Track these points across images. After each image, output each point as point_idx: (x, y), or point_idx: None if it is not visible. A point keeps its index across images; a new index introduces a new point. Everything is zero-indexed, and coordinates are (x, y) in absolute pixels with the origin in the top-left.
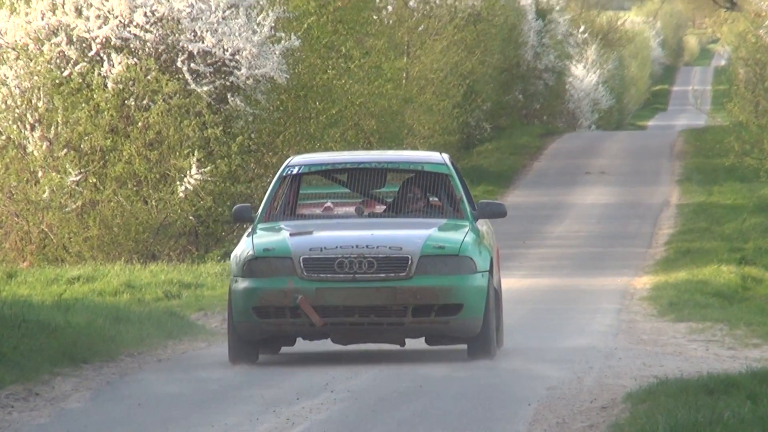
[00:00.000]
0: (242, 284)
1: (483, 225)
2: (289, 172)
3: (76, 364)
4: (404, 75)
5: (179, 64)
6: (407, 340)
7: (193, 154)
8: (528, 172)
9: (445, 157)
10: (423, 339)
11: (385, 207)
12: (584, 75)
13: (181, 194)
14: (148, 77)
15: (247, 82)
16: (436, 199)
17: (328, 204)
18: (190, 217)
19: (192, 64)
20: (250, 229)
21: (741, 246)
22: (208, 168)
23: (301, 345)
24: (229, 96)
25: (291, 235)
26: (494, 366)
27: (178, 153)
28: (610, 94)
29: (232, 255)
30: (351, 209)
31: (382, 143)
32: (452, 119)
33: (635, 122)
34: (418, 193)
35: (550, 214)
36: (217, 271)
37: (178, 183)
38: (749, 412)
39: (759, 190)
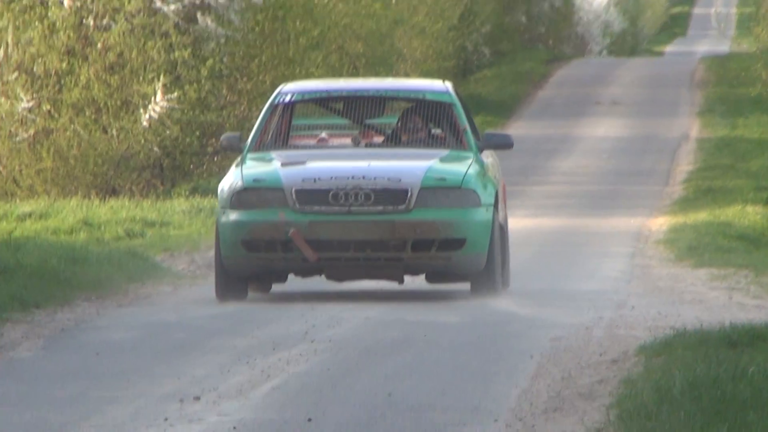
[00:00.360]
0: (230, 217)
1: (488, 157)
2: (281, 100)
3: (27, 309)
4: None
5: None
6: (406, 278)
7: (159, 79)
8: (531, 102)
9: (448, 85)
10: (423, 277)
11: (383, 138)
12: None
13: (144, 123)
14: None
15: (219, 0)
16: (438, 129)
17: (323, 135)
18: (155, 148)
19: None
20: (239, 159)
21: None
22: (175, 94)
23: (293, 283)
24: (198, 15)
25: (283, 165)
26: (492, 314)
27: (141, 77)
28: (624, 16)
29: (220, 186)
30: (347, 141)
31: (370, 69)
32: (447, 43)
33: (651, 48)
34: (419, 123)
35: (555, 148)
36: (185, 208)
37: (141, 111)
38: None
39: None
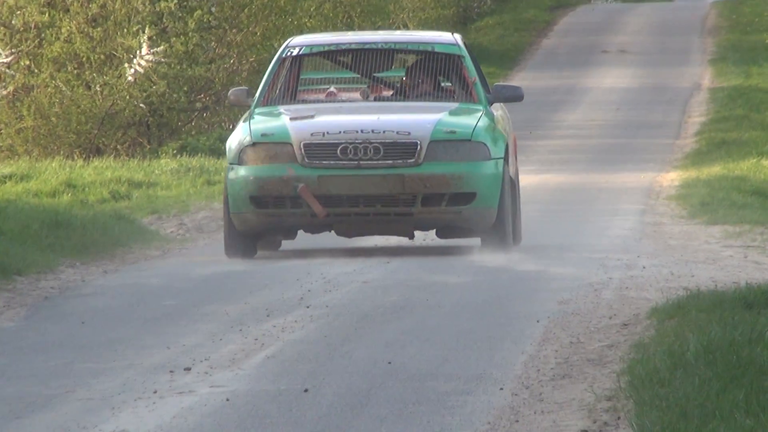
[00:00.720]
0: (238, 172)
1: (498, 110)
2: (288, 53)
3: (9, 276)
4: None
5: None
6: (416, 233)
7: (144, 32)
8: (535, 51)
9: (457, 37)
10: (433, 232)
11: (392, 91)
12: None
13: (129, 78)
14: None
15: None
16: (447, 82)
17: (331, 89)
18: (141, 105)
19: None
20: (246, 114)
21: None
22: (161, 47)
23: (303, 239)
24: None
25: (291, 119)
26: (497, 276)
27: (126, 30)
28: None
29: (228, 141)
30: (355, 95)
31: (365, 18)
32: None
33: None
34: (428, 76)
35: (561, 99)
36: (173, 167)
37: (126, 65)
38: None
39: None
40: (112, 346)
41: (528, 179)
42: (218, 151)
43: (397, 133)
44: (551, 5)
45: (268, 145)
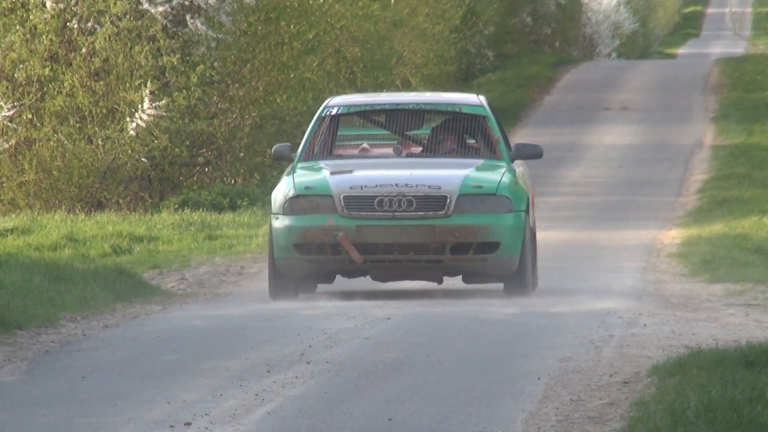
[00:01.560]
0: (283, 222)
1: (519, 166)
2: (328, 113)
3: (9, 330)
4: None
5: None
6: (445, 279)
7: (146, 86)
8: (538, 108)
9: (482, 98)
10: (460, 278)
11: (421, 148)
12: None
13: (131, 132)
14: None
15: (210, 1)
16: (473, 140)
17: (365, 145)
18: (143, 159)
19: None
20: (289, 168)
21: None
22: (164, 102)
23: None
24: (188, 17)
25: (331, 173)
26: (498, 333)
27: (128, 84)
28: (634, 16)
29: (273, 193)
30: (386, 150)
31: (368, 73)
32: (449, 46)
33: (663, 50)
34: (456, 134)
35: (563, 156)
36: (174, 221)
37: (128, 119)
38: None
39: None
40: (113, 400)
41: None
42: (219, 206)
43: (429, 187)
44: (553, 62)
45: (310, 197)
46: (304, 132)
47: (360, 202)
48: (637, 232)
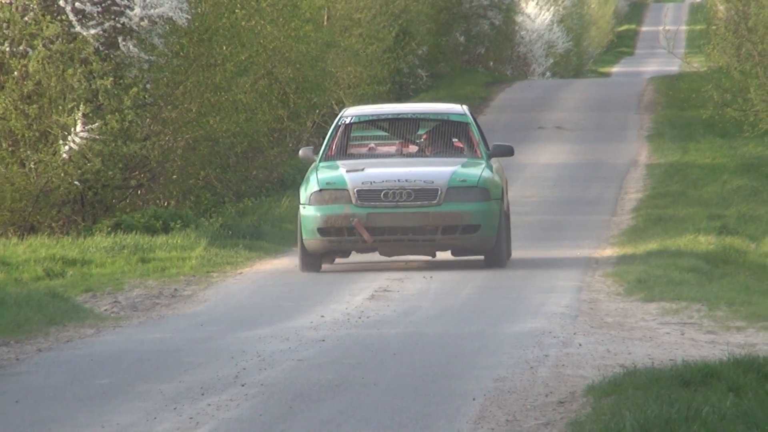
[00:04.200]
0: (309, 211)
1: (495, 162)
2: (344, 122)
3: None
4: (325, 15)
5: (62, 2)
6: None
7: (79, 109)
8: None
9: (465, 108)
10: (449, 253)
11: (417, 148)
12: (537, 13)
13: (64, 155)
14: (26, 18)
15: (142, 23)
16: (458, 141)
17: (371, 145)
18: (75, 182)
19: (77, 3)
20: (312, 167)
21: (721, 212)
22: (96, 124)
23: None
24: (120, 40)
25: (347, 171)
26: (432, 353)
27: (61, 107)
28: (568, 35)
29: (301, 187)
30: (389, 149)
31: (301, 95)
32: (382, 66)
33: (597, 68)
34: (444, 138)
35: None
36: (108, 244)
37: (61, 142)
38: (731, 407)
39: (742, 147)
40: (46, 425)
41: (467, 258)
42: (153, 229)
43: (424, 181)
44: (487, 81)
45: (330, 191)
46: (238, 154)
47: (370, 194)
48: (572, 251)
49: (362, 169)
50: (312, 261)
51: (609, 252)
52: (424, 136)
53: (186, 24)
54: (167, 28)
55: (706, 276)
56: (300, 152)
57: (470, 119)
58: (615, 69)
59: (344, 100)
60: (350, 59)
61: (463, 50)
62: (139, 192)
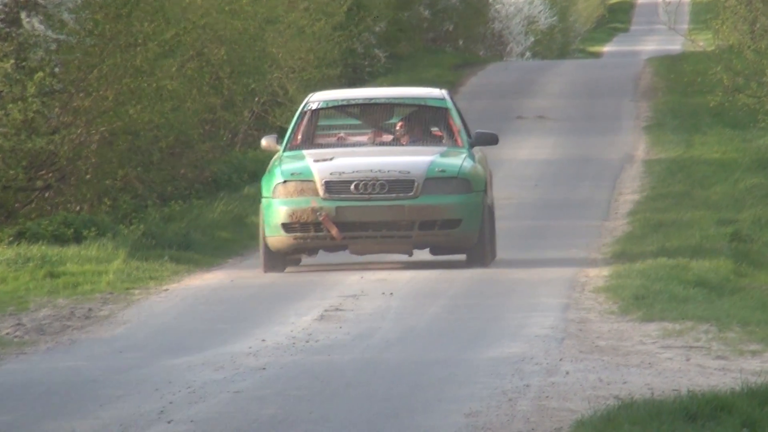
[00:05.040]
0: (272, 204)
1: (478, 152)
2: (309, 108)
3: None
4: None
5: None
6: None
7: None
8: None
9: (444, 92)
10: (426, 251)
11: (392, 137)
12: None
13: None
14: None
15: None
16: (437, 129)
17: (342, 134)
18: None
19: None
20: (276, 157)
21: (733, 217)
22: None
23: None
24: (23, 16)
25: (314, 161)
26: (393, 384)
27: None
28: (551, 9)
29: (263, 178)
30: (361, 138)
31: (236, 80)
32: (332, 45)
33: (585, 48)
34: (421, 125)
35: None
36: (9, 256)
37: None
38: None
39: (756, 139)
40: None
41: (431, 269)
42: (63, 238)
43: (399, 172)
44: (456, 63)
45: (295, 182)
46: (163, 149)
47: (339, 186)
48: (558, 262)
49: (331, 159)
50: (275, 260)
51: (601, 263)
52: (400, 124)
53: None
54: (79, 1)
55: (716, 291)
56: (262, 141)
57: (450, 104)
58: (607, 48)
59: (287, 86)
60: (294, 38)
61: (428, 27)
62: (46, 195)
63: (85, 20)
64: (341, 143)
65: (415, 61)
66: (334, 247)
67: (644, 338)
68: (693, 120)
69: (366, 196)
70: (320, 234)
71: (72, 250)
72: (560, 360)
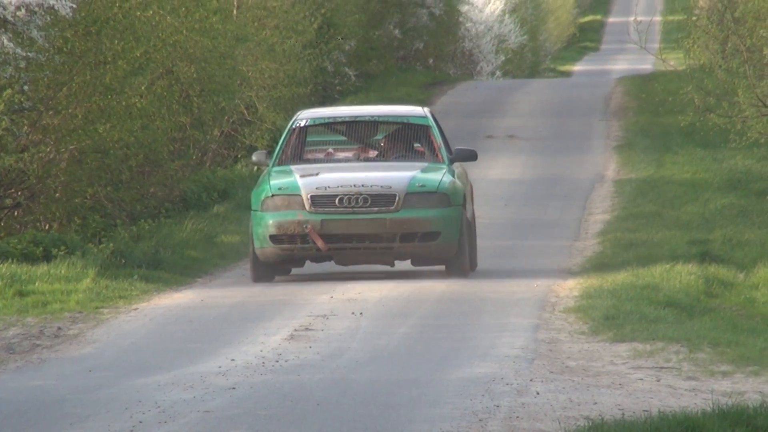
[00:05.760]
0: (261, 217)
1: (458, 167)
2: (298, 125)
3: None
4: (235, 4)
5: None
6: (396, 262)
7: None
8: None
9: (426, 110)
10: (408, 262)
11: (376, 152)
12: (485, 1)
13: None
14: None
15: (18, 13)
16: (419, 145)
17: (329, 150)
18: None
19: None
20: (265, 172)
21: (704, 237)
22: None
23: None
24: None
25: (301, 176)
26: (360, 405)
27: None
28: (521, 28)
29: (253, 192)
30: (347, 154)
31: (206, 98)
32: (302, 64)
33: (556, 67)
34: (404, 142)
35: None
36: None
37: None
38: None
39: (727, 159)
40: None
41: (400, 288)
42: (32, 256)
43: (381, 187)
44: (426, 82)
45: (283, 197)
46: (132, 168)
47: (324, 200)
48: (528, 282)
49: (317, 174)
50: (264, 271)
51: (571, 283)
52: (383, 140)
53: (70, 14)
54: (48, 19)
55: (686, 312)
56: (253, 156)
57: (431, 122)
58: (577, 67)
59: (257, 104)
60: (264, 56)
61: (398, 45)
62: (15, 213)
63: (55, 38)
64: (328, 159)
65: (385, 80)
66: (320, 258)
67: (615, 359)
68: (664, 140)
69: (350, 209)
70: (307, 246)
71: (41, 268)
72: (530, 380)
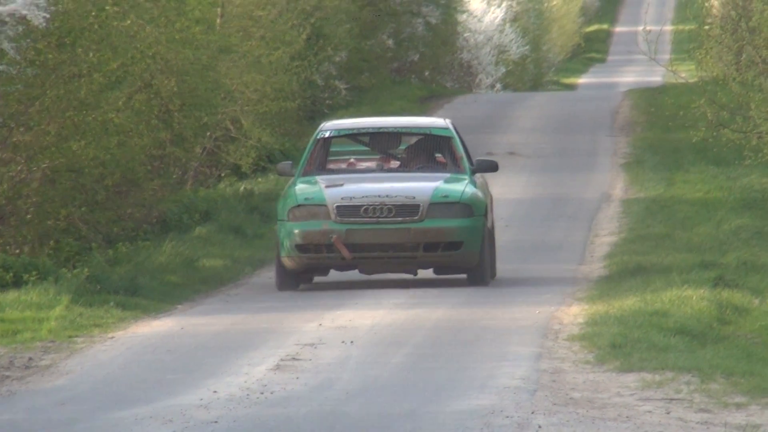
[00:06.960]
0: (287, 227)
1: (479, 178)
2: (322, 135)
3: None
4: (219, 13)
5: None
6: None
7: None
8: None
9: (448, 122)
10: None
11: (399, 163)
12: (484, 10)
13: None
14: None
15: None
16: (440, 156)
17: (352, 160)
18: None
19: None
20: (291, 182)
21: (717, 260)
22: None
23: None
24: None
25: (326, 187)
26: None
27: None
28: (523, 38)
29: (279, 202)
30: (370, 164)
31: (187, 112)
32: (290, 77)
33: (560, 79)
34: (426, 152)
35: None
36: None
37: None
38: None
39: (742, 177)
40: None
41: (395, 315)
42: (1, 282)
43: (405, 197)
44: (422, 96)
45: (309, 207)
46: (108, 187)
47: (349, 210)
48: (530, 309)
49: (342, 185)
50: (290, 279)
51: (575, 309)
52: (405, 151)
53: (44, 24)
54: (20, 29)
55: (698, 340)
56: (278, 166)
57: (453, 133)
58: (582, 80)
59: (242, 119)
60: (250, 68)
61: (392, 57)
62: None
63: (26, 49)
64: (352, 169)
65: (377, 93)
66: (344, 267)
67: (622, 390)
68: (674, 156)
69: (374, 219)
70: (332, 255)
71: (11, 295)
72: (532, 413)
